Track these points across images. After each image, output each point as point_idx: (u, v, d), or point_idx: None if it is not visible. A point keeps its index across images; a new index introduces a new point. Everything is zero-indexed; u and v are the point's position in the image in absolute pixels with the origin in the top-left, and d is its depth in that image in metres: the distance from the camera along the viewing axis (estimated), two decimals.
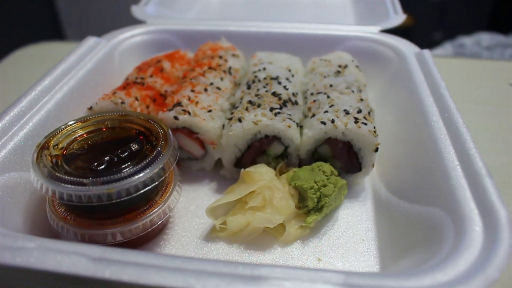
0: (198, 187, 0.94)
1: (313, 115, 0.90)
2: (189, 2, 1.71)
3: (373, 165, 0.89)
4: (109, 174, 0.68)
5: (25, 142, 0.81)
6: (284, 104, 0.91)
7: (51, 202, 0.76)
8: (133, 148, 0.76)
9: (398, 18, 1.30)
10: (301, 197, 0.82)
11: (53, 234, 0.76)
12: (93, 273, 0.53)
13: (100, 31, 1.25)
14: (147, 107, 0.94)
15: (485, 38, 2.66)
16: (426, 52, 1.06)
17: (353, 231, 0.82)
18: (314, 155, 0.90)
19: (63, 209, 0.74)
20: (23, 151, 0.79)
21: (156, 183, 0.71)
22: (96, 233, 0.71)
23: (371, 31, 1.23)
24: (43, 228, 0.78)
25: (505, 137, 1.17)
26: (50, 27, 4.05)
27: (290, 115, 0.89)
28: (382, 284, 0.51)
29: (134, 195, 0.69)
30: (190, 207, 0.88)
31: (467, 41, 2.40)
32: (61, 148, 0.76)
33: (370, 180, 0.94)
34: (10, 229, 0.65)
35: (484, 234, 0.59)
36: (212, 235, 0.81)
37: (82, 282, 0.55)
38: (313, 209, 0.80)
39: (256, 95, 0.94)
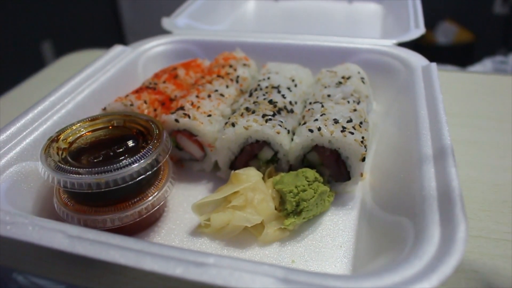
0: (196, 186, 1.00)
1: (304, 123, 0.93)
2: (218, 16, 1.80)
3: (361, 174, 0.90)
4: (102, 166, 0.77)
5: (43, 136, 0.91)
6: (278, 111, 0.95)
7: (58, 190, 0.86)
8: (129, 145, 0.84)
9: (416, 32, 1.29)
10: (282, 200, 0.85)
11: (58, 219, 0.86)
12: (65, 247, 0.61)
13: None
14: (155, 110, 1.03)
15: None
16: (433, 65, 1.05)
17: (332, 238, 0.84)
18: (304, 162, 0.93)
19: (66, 196, 0.84)
20: (41, 144, 0.90)
21: (143, 176, 0.79)
22: (90, 218, 0.80)
23: (385, 44, 1.23)
24: (50, 213, 0.87)
25: None
26: (115, 35, 4.50)
27: (282, 122, 0.93)
28: (315, 282, 0.54)
29: (122, 185, 0.76)
30: (183, 204, 0.94)
31: (510, 58, 2.26)
32: (69, 142, 0.86)
33: (361, 190, 0.95)
34: (18, 210, 0.76)
35: (439, 245, 0.60)
36: (197, 231, 0.87)
37: (57, 255, 0.63)
38: (292, 213, 0.83)
39: (254, 102, 0.99)
